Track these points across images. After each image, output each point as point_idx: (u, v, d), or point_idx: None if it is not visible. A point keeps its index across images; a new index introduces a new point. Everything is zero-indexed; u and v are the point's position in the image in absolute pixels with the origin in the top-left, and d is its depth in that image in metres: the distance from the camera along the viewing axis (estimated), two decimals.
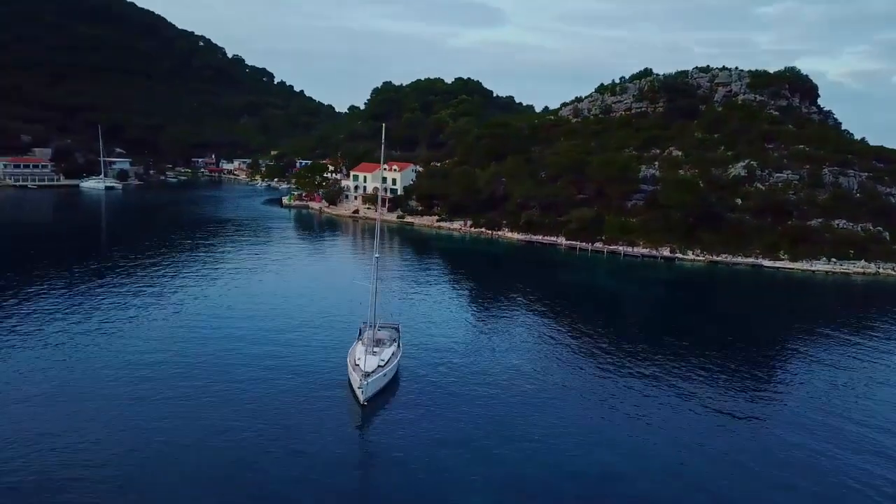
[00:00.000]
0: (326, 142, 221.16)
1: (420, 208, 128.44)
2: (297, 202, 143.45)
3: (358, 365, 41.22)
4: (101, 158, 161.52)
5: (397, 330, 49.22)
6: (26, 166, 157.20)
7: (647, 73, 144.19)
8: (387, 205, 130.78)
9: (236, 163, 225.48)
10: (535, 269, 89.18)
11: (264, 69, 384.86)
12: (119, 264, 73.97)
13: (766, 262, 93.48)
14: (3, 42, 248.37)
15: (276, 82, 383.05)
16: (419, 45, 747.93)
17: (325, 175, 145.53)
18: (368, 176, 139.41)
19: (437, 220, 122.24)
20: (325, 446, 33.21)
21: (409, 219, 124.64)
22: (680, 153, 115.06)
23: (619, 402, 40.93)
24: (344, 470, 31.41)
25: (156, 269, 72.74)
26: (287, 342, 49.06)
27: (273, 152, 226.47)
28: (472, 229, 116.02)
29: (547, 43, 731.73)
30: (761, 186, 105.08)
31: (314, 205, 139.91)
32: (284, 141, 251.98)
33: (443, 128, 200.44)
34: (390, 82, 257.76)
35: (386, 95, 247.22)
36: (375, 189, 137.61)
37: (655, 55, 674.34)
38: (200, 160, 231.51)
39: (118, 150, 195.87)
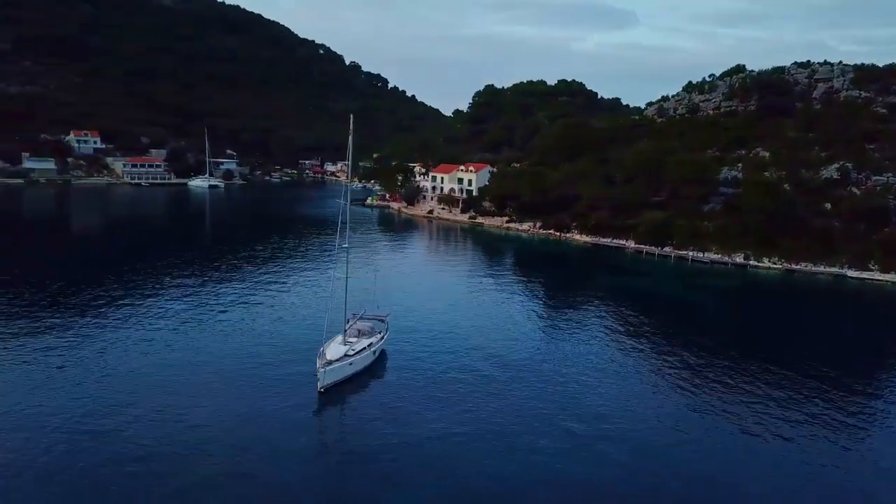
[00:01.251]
0: (425, 145, 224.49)
1: (493, 209, 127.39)
2: (380, 202, 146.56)
3: (324, 352, 41.57)
4: (208, 159, 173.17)
5: (384, 322, 49.02)
6: (143, 166, 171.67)
7: (738, 69, 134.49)
8: (460, 205, 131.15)
9: (339, 164, 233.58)
10: (596, 271, 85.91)
11: (378, 75, 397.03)
12: (208, 258, 78.53)
13: (852, 273, 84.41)
14: (140, 53, 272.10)
15: (389, 87, 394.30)
16: (540, 50, 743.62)
17: (407, 176, 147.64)
18: (445, 177, 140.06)
19: (507, 222, 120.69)
20: (272, 430, 33.66)
21: (479, 219, 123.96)
22: (767, 154, 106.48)
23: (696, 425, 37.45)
24: (277, 455, 31.28)
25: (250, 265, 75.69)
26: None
27: (374, 155, 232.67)
28: (541, 230, 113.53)
29: (676, 44, 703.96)
30: (856, 190, 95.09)
31: (395, 205, 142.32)
32: (389, 144, 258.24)
33: (539, 129, 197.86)
34: (492, 85, 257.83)
35: (486, 98, 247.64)
36: (451, 190, 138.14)
37: (790, 54, 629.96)
38: (307, 162, 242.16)
39: (229, 151, 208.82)
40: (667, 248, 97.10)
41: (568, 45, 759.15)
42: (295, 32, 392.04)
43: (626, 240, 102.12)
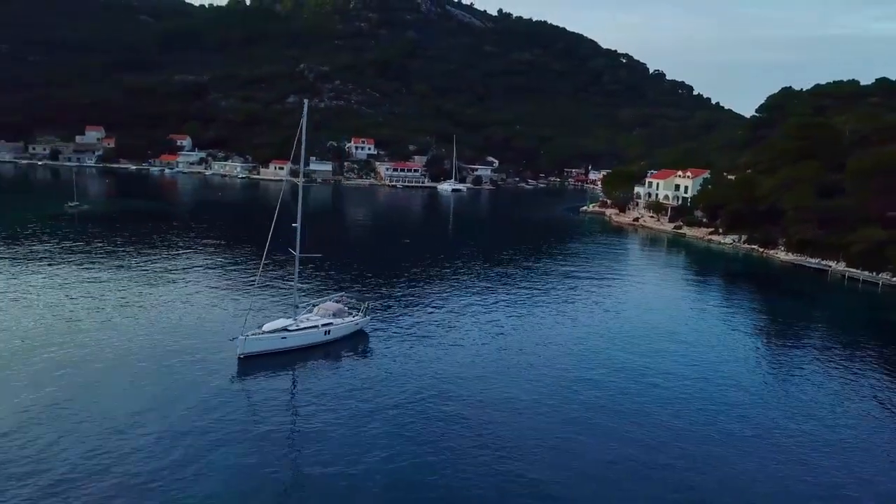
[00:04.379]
0: (696, 152, 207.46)
1: (703, 219, 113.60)
2: (596, 209, 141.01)
3: (265, 324, 44.14)
4: (454, 165, 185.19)
5: (360, 311, 48.90)
6: (403, 170, 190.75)
7: None
8: (668, 213, 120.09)
9: (602, 173, 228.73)
10: (776, 301, 68.98)
11: (682, 82, 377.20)
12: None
13: None
14: (448, 71, 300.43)
15: (692, 94, 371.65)
16: None
17: (631, 182, 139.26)
18: (661, 183, 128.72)
19: (710, 233, 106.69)
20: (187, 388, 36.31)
21: (684, 230, 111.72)
22: None
23: None
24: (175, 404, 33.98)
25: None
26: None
27: (641, 163, 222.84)
28: (744, 244, 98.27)
29: None
30: None
31: (609, 212, 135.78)
32: (664, 152, 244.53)
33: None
34: (789, 87, 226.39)
35: (777, 101, 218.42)
36: (666, 197, 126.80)
37: None
38: (574, 171, 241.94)
39: (489, 158, 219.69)
40: (884, 275, 76.85)
41: None
42: (598, 43, 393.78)
43: (836, 261, 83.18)
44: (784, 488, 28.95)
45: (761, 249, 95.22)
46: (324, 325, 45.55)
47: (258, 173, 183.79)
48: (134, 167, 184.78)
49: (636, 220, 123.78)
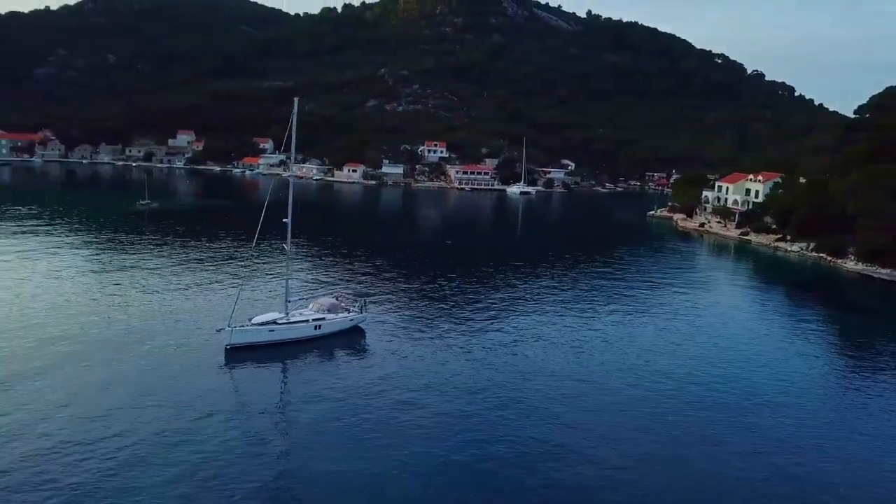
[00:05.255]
0: (783, 156, 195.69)
1: (773, 225, 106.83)
2: (663, 213, 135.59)
3: (256, 316, 45.31)
4: (523, 167, 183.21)
5: (358, 307, 49.03)
6: (473, 173, 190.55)
7: None
8: (736, 219, 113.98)
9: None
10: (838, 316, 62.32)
11: (783, 83, 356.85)
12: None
13: None
14: (529, 74, 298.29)
15: (794, 95, 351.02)
16: None
17: (701, 187, 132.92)
18: (731, 187, 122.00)
19: (777, 240, 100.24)
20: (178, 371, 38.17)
21: (750, 236, 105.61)
22: None
23: None
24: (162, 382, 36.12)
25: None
26: None
27: (724, 170, 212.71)
28: (812, 252, 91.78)
29: None
30: None
31: (676, 216, 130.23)
32: (754, 156, 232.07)
33: None
34: (894, 87, 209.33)
35: (881, 101, 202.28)
36: (735, 202, 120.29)
37: None
38: (655, 175, 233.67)
39: (564, 161, 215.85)
40: None
41: None
42: (692, 43, 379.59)
43: None
44: None
45: (829, 258, 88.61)
46: (314, 319, 46.09)
47: (332, 175, 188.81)
48: (218, 168, 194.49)
49: (702, 225, 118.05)
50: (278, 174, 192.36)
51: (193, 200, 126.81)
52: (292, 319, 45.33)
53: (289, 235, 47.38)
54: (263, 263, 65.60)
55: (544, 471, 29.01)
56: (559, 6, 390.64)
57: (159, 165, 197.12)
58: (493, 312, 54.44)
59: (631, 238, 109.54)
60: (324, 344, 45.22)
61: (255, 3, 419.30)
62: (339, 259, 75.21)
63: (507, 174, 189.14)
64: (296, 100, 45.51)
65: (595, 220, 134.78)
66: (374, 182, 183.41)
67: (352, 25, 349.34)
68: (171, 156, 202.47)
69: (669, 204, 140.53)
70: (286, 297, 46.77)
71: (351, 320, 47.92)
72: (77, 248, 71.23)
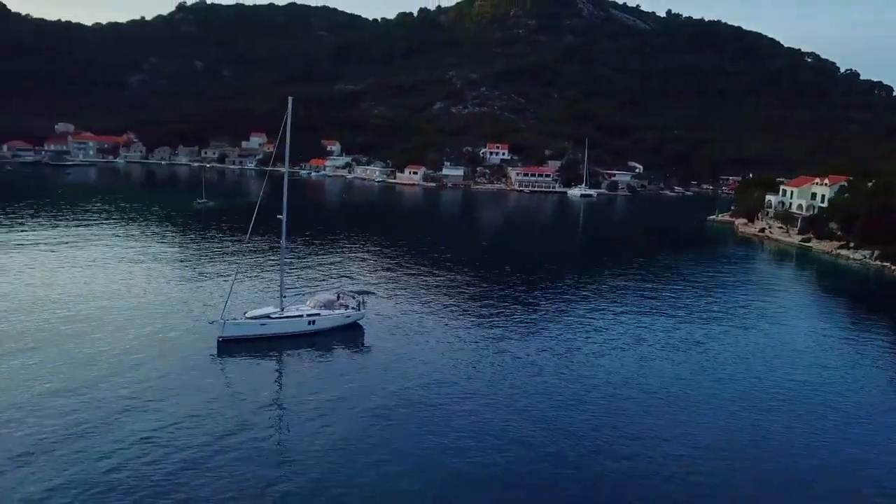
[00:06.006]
0: (867, 157, 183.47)
1: (838, 231, 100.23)
2: (725, 218, 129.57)
3: (251, 310, 46.52)
4: (585, 169, 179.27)
5: (357, 306, 49.20)
6: (533, 175, 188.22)
7: None
8: (798, 224, 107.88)
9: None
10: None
11: (879, 82, 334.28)
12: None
13: None
14: (603, 75, 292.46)
15: (893, 95, 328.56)
16: None
17: (765, 191, 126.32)
18: (796, 191, 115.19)
19: (839, 247, 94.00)
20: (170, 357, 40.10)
21: (812, 242, 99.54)
22: None
23: None
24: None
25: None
26: None
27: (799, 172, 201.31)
28: (876, 261, 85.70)
29: None
30: None
31: (738, 221, 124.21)
32: (836, 158, 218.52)
33: None
34: None
35: None
36: (799, 206, 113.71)
37: None
38: (730, 178, 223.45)
39: (631, 163, 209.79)
40: None
41: None
42: (780, 42, 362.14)
43: None
44: None
45: (893, 267, 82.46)
46: (308, 315, 46.73)
47: (394, 177, 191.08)
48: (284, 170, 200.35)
49: (762, 230, 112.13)
50: (342, 176, 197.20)
51: (247, 199, 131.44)
52: (286, 314, 46.13)
53: (284, 232, 48.30)
54: (274, 257, 66.33)
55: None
56: (637, 5, 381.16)
57: (231, 167, 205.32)
58: (501, 317, 53.69)
59: (682, 243, 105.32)
60: (318, 340, 45.77)
61: (337, 9, 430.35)
62: (364, 256, 76.15)
63: (570, 176, 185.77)
64: (290, 99, 46.20)
65: (657, 223, 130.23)
66: (433, 184, 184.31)
67: (426, 29, 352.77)
68: (243, 157, 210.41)
69: (732, 208, 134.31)
70: (281, 292, 47.71)
71: (347, 317, 48.29)
72: (119, 239, 75.44)
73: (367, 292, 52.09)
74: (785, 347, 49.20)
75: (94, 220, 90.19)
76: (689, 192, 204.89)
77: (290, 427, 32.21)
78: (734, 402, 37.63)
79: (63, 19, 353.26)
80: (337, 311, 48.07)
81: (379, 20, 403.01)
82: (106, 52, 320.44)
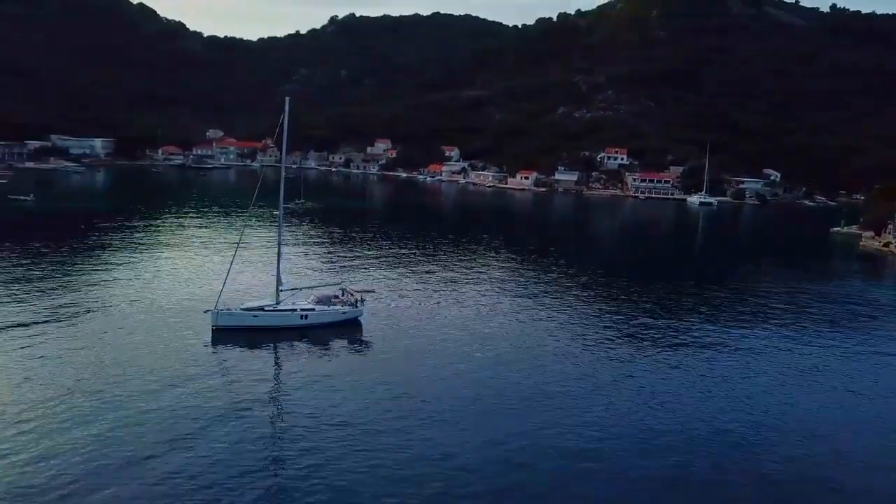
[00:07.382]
0: None
1: None
2: (852, 230, 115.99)
3: (246, 302, 48.95)
4: (706, 176, 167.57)
5: (354, 304, 49.74)
6: (651, 181, 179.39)
7: None
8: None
9: None
10: None
11: None
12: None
13: None
14: (748, 77, 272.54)
15: None
16: None
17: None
18: None
19: None
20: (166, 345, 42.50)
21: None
22: None
23: None
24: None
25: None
26: None
27: None
28: None
29: None
30: None
31: (865, 234, 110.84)
32: None
33: None
34: None
35: None
36: None
37: None
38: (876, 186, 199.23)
39: (766, 170, 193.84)
40: None
41: None
42: None
43: None
44: None
45: None
46: (302, 309, 48.08)
47: (506, 182, 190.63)
48: (405, 175, 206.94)
49: (886, 245, 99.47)
50: (456, 181, 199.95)
51: (342, 201, 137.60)
52: (279, 307, 47.82)
53: (280, 228, 50.11)
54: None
55: None
56: (796, 1, 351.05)
57: (355, 171, 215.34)
58: (512, 323, 52.23)
59: (793, 258, 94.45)
60: (312, 333, 46.79)
61: (478, 17, 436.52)
62: (397, 255, 76.19)
63: (693, 183, 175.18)
64: (287, 99, 47.73)
65: (778, 234, 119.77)
66: (544, 189, 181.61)
67: (563, 33, 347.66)
68: (367, 162, 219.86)
69: (861, 220, 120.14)
70: (277, 285, 49.49)
71: (343, 313, 48.96)
72: (199, 230, 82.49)
73: (369, 290, 52.68)
74: None
75: (193, 215, 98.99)
76: (831, 203, 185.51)
77: (279, 415, 32.86)
78: None
79: (230, 35, 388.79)
80: (333, 307, 49.03)
81: (519, 26, 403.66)
82: (264, 64, 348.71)
